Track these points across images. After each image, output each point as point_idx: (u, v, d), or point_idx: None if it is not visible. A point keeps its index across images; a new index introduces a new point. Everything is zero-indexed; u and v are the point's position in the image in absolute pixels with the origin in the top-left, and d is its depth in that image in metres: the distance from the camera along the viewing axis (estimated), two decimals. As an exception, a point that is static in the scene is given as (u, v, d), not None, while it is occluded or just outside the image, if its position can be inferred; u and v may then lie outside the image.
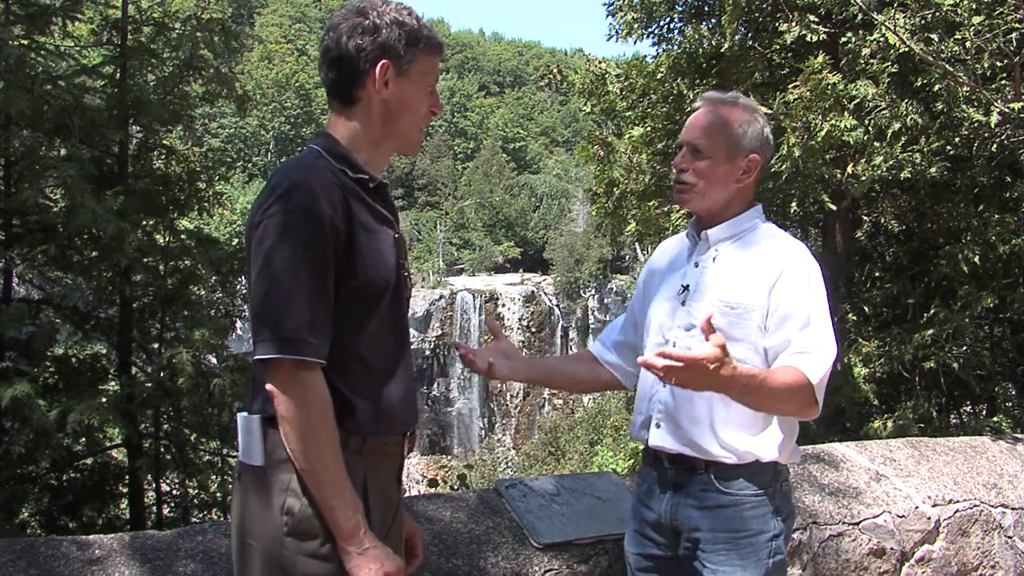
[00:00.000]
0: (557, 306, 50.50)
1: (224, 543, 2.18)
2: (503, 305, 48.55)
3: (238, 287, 7.03)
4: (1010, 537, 3.21)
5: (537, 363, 2.03)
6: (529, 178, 72.15)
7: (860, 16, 4.96)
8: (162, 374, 6.07)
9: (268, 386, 1.46)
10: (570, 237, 53.18)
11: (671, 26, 6.51)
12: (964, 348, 5.45)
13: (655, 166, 6.16)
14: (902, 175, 5.09)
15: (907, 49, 4.31)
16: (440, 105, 1.69)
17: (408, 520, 1.77)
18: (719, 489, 1.84)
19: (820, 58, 4.98)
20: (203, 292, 6.96)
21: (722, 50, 5.69)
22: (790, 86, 5.13)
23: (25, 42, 5.89)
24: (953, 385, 6.03)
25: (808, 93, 4.96)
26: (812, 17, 5.30)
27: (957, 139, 5.25)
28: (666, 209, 6.14)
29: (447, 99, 74.53)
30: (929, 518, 3.02)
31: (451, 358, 47.31)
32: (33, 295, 6.68)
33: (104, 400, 5.72)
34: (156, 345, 6.69)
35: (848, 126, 4.96)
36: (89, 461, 6.56)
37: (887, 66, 5.04)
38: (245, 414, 1.54)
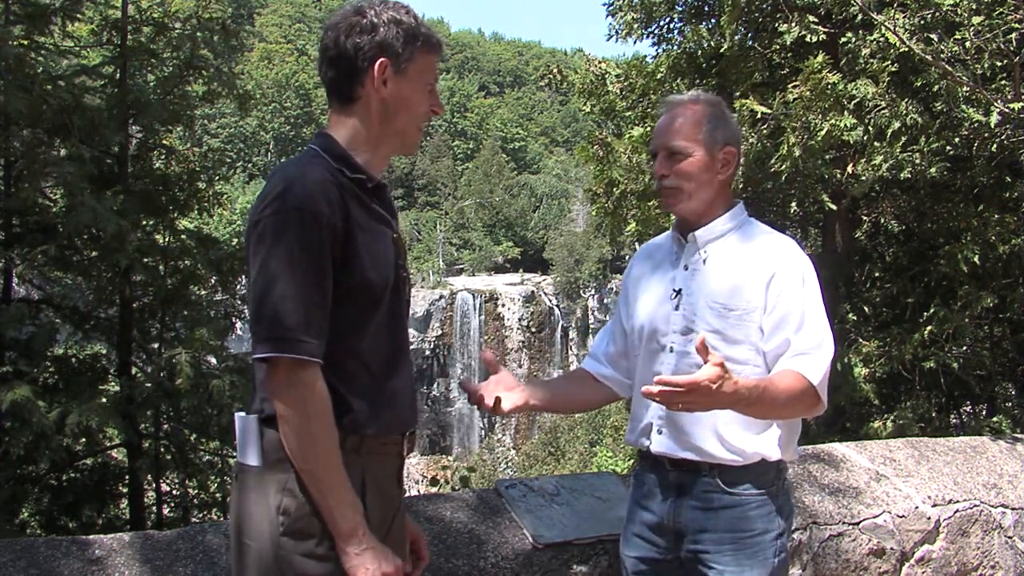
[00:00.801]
0: (557, 306, 50.53)
1: (224, 543, 2.18)
2: (503, 305, 48.57)
3: (238, 287, 7.03)
4: (1010, 537, 3.21)
5: (539, 391, 2.01)
6: (529, 178, 72.21)
7: (860, 16, 4.96)
8: (162, 375, 6.07)
9: (267, 385, 1.46)
10: (570, 237, 53.20)
11: (671, 26, 6.52)
12: (964, 348, 5.45)
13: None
14: (902, 175, 5.09)
15: (907, 49, 4.31)
16: (440, 105, 1.69)
17: (409, 522, 1.77)
18: (725, 491, 1.83)
19: (820, 58, 4.98)
20: (203, 292, 6.96)
21: (722, 50, 5.69)
22: (790, 86, 5.13)
23: (25, 42, 5.89)
24: (953, 385, 6.03)
25: (808, 93, 4.96)
26: (812, 18, 5.30)
27: (957, 139, 5.25)
28: (666, 209, 6.14)
29: (447, 99, 74.55)
30: (929, 518, 3.02)
31: (451, 358, 47.35)
32: (33, 295, 6.68)
33: (104, 400, 5.72)
34: (156, 345, 6.69)
35: (848, 126, 4.96)
36: (89, 461, 6.56)
37: (887, 66, 5.04)
38: (243, 414, 1.54)
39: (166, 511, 6.87)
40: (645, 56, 6.86)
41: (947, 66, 4.18)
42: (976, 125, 4.88)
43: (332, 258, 1.47)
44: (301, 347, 1.43)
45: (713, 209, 1.90)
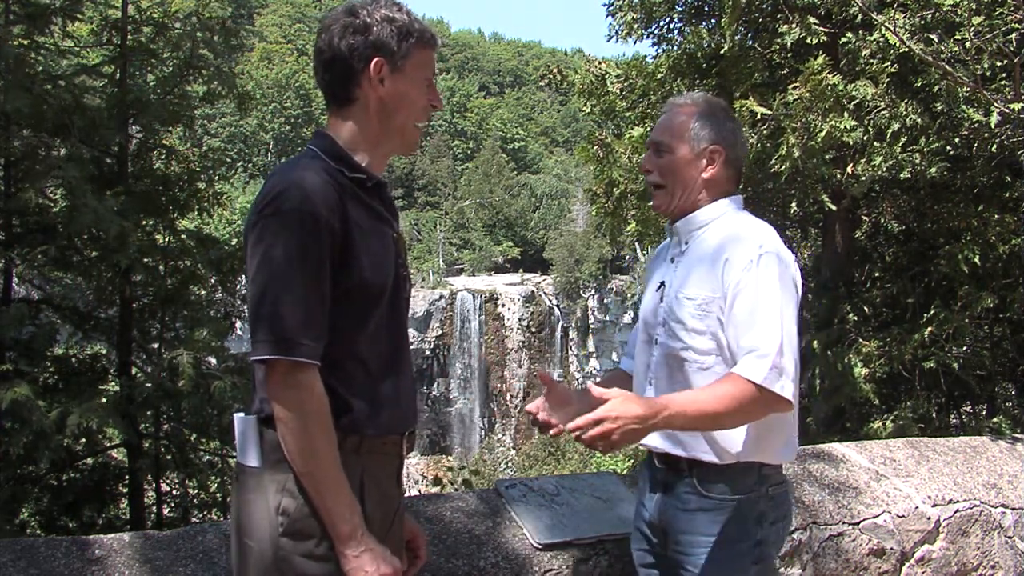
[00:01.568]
0: (557, 306, 50.50)
1: (224, 543, 2.18)
2: (503, 305, 48.55)
3: (238, 287, 7.03)
4: (1010, 537, 3.21)
5: (587, 399, 2.01)
6: (529, 178, 72.13)
7: (860, 16, 4.96)
8: (162, 375, 6.07)
9: (265, 387, 1.46)
10: (570, 237, 53.13)
11: (671, 26, 6.53)
12: (964, 348, 5.46)
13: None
14: (902, 175, 5.09)
15: (907, 49, 4.31)
16: (439, 99, 1.68)
17: (410, 522, 1.77)
18: (700, 493, 1.84)
19: (820, 59, 4.98)
20: (203, 292, 6.96)
21: (722, 51, 5.69)
22: (790, 87, 5.13)
23: (25, 42, 5.89)
24: (953, 385, 6.04)
25: (808, 94, 4.96)
26: (812, 19, 5.30)
27: (957, 139, 5.25)
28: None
29: (447, 99, 74.53)
30: (929, 518, 3.02)
31: (451, 358, 47.33)
32: (33, 295, 6.68)
33: (104, 400, 5.72)
34: (156, 345, 6.69)
35: (848, 126, 4.96)
36: (89, 461, 6.56)
37: (887, 66, 5.04)
38: (242, 415, 1.54)
39: (166, 511, 6.87)
40: (645, 56, 6.87)
41: (947, 66, 4.18)
42: (976, 125, 4.89)
43: (331, 259, 1.47)
44: (299, 349, 1.43)
45: (697, 206, 1.92)
